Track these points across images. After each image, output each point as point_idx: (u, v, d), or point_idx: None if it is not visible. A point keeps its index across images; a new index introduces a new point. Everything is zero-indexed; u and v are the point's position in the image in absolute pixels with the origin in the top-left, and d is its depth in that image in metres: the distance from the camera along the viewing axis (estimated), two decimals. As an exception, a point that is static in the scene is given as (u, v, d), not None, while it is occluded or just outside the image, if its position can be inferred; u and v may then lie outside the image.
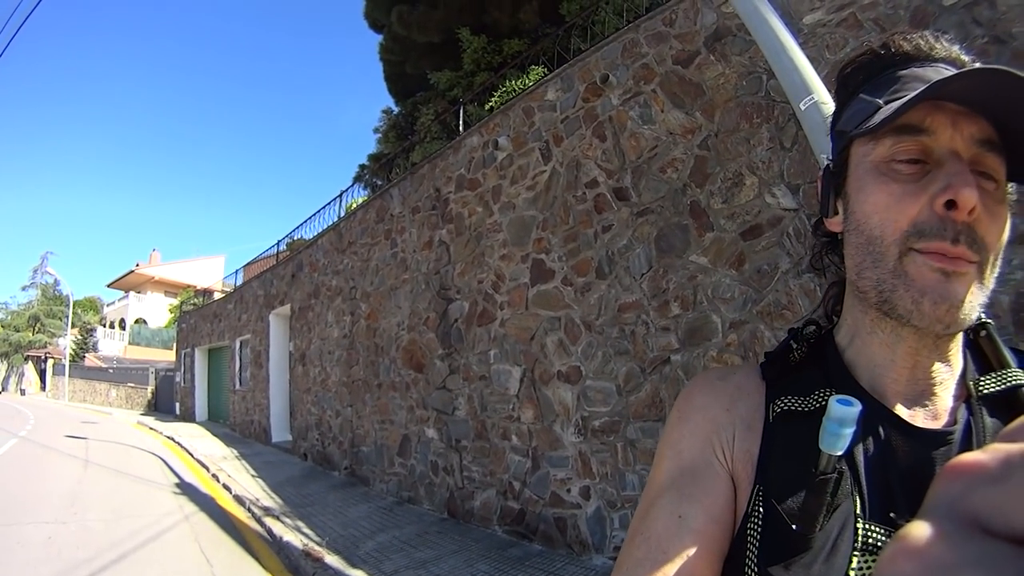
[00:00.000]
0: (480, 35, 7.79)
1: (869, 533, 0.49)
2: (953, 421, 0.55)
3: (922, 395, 0.57)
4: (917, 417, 0.56)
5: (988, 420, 0.55)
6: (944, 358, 0.59)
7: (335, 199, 8.71)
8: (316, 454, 8.33)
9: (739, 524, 0.54)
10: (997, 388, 0.57)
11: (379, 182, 8.35)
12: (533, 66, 5.79)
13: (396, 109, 9.92)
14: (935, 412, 0.57)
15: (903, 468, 0.53)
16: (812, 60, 2.87)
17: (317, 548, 4.38)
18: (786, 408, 0.58)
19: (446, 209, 5.51)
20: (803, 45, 3.00)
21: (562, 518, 4.19)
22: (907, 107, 0.51)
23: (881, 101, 0.55)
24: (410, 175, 6.20)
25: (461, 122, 5.97)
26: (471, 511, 4.99)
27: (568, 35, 5.47)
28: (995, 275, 0.55)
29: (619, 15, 5.29)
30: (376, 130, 9.89)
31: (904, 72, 0.57)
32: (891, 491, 0.52)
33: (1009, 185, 0.58)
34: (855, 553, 0.48)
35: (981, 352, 0.62)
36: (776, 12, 3.09)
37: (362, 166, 10.00)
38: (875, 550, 0.49)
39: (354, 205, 8.20)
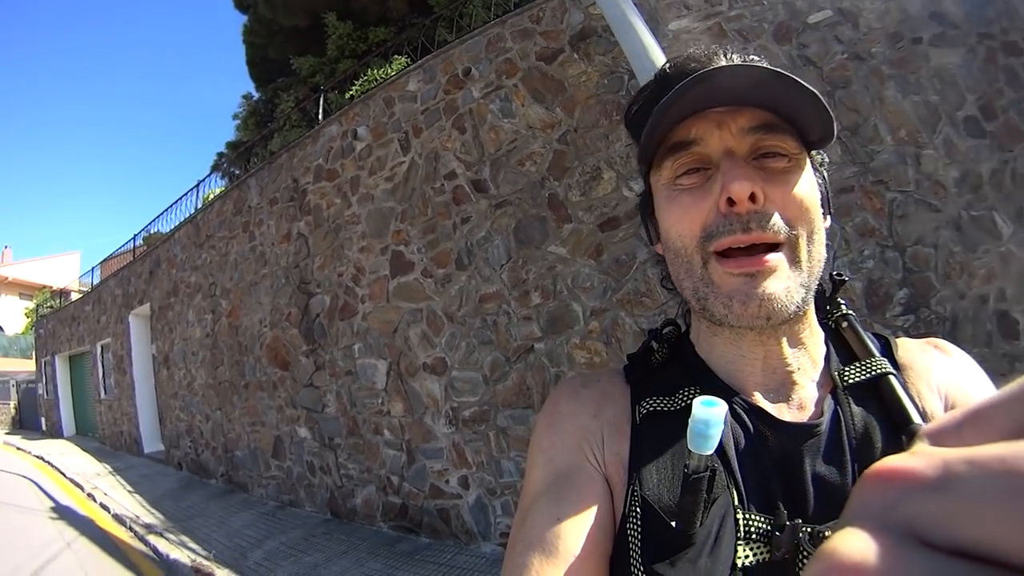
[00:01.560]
0: (347, 21, 7.41)
1: (751, 522, 0.49)
2: (819, 413, 0.56)
3: (783, 387, 0.58)
4: (782, 410, 0.56)
5: (855, 409, 0.55)
6: (796, 346, 0.59)
7: (192, 190, 7.99)
8: (191, 463, 7.75)
9: (619, 526, 0.52)
10: (862, 377, 0.57)
11: (237, 171, 7.72)
12: (397, 56, 5.58)
13: (256, 95, 9.21)
14: (800, 403, 0.57)
15: (775, 459, 0.53)
16: None
17: (206, 563, 4.15)
18: (652, 409, 0.58)
19: (304, 200, 5.22)
20: (666, 50, 3.10)
21: (445, 509, 4.19)
22: (653, 131, 0.54)
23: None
24: (268, 165, 5.79)
25: (321, 110, 5.66)
26: (354, 509, 4.87)
27: (435, 26, 5.31)
28: (817, 249, 0.55)
29: (488, 8, 5.21)
30: (235, 116, 9.14)
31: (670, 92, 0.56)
32: (767, 481, 0.52)
33: (819, 153, 0.61)
34: (739, 543, 0.48)
35: (844, 342, 0.63)
36: (641, 17, 3.19)
37: (220, 154, 9.21)
38: (759, 538, 0.49)
39: (211, 196, 7.55)
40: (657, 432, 0.56)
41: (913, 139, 3.50)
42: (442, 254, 4.15)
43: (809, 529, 0.48)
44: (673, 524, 0.48)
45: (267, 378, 5.74)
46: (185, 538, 4.85)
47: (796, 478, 0.51)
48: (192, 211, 7.72)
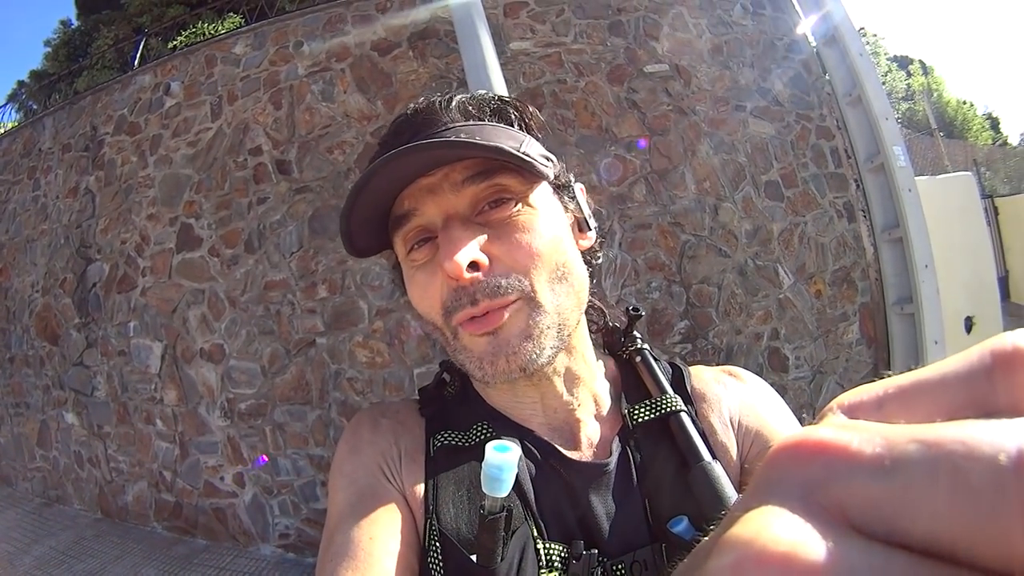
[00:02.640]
0: None
1: (550, 550, 0.50)
2: (607, 452, 0.56)
3: (567, 425, 0.58)
4: (572, 448, 0.57)
5: (643, 446, 0.56)
6: (573, 384, 0.58)
7: (-22, 119, 6.83)
8: (-53, 447, 6.57)
9: (420, 559, 0.50)
10: (650, 416, 0.58)
11: (35, 106, 6.76)
12: (232, 14, 5.16)
13: (75, 23, 8.20)
14: (590, 440, 0.57)
15: (568, 493, 0.53)
16: (507, 82, 2.95)
17: None
18: (445, 443, 0.57)
19: (99, 152, 4.61)
20: (502, 67, 3.07)
21: (220, 508, 3.87)
22: (345, 224, 0.52)
23: None
24: (69, 105, 5.07)
25: (138, 55, 5.06)
26: (125, 507, 4.35)
27: None
28: (566, 284, 0.53)
29: None
30: (47, 43, 8.08)
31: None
32: (563, 513, 0.52)
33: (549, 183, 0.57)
34: (542, 571, 0.49)
35: (638, 377, 0.62)
36: (488, 30, 3.13)
37: (20, 83, 8.11)
38: (561, 564, 0.49)
39: (1, 130, 6.50)
40: (451, 466, 0.55)
41: (715, 191, 3.75)
42: (232, 233, 3.82)
43: (603, 562, 0.50)
44: (474, 559, 0.48)
45: (34, 352, 4.98)
46: (-56, 543, 4.15)
47: (588, 512, 0.53)
48: (-25, 146, 6.56)
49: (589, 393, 0.59)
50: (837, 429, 0.15)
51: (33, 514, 4.76)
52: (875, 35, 24.25)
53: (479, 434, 0.57)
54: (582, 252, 0.61)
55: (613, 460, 0.55)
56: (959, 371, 0.15)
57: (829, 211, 4.06)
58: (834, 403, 0.17)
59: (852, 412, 0.17)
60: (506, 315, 0.51)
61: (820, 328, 3.92)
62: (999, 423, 0.13)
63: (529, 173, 0.53)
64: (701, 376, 0.65)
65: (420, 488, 0.55)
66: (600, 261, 0.66)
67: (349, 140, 3.67)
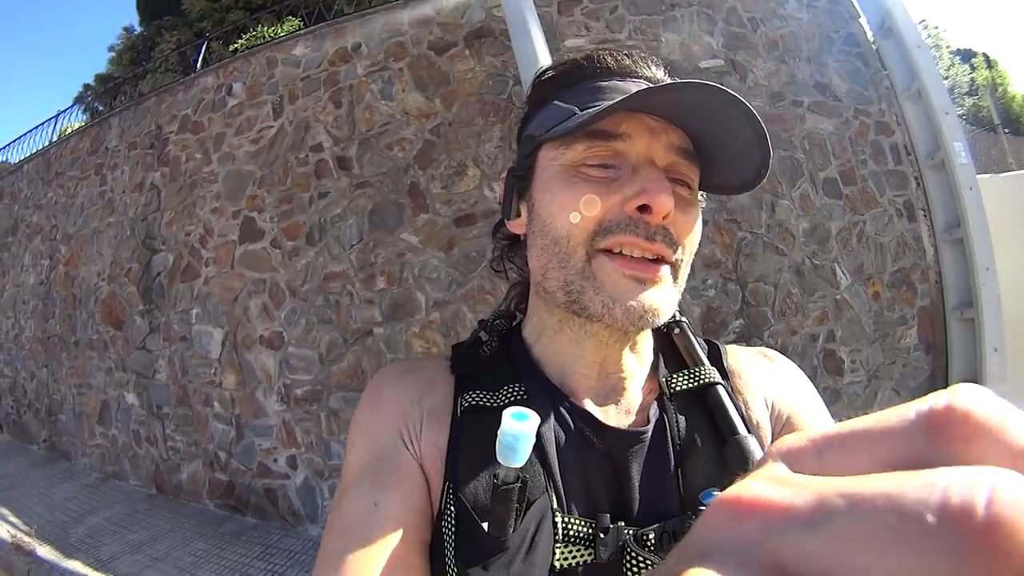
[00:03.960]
0: None
1: (570, 525, 0.48)
2: (645, 419, 0.56)
3: (613, 391, 0.57)
4: (609, 414, 0.56)
5: (680, 417, 0.56)
6: (634, 352, 0.58)
7: (49, 120, 7.21)
8: (12, 425, 6.90)
9: (435, 520, 0.50)
10: (688, 385, 0.58)
11: (100, 108, 7.04)
12: (291, 17, 5.30)
13: (138, 29, 8.52)
14: (628, 408, 0.57)
15: (600, 463, 0.52)
16: None
17: (27, 539, 3.80)
18: (474, 403, 0.55)
19: (164, 150, 4.80)
20: None
21: (272, 489, 3.98)
22: (607, 112, 0.49)
23: (576, 108, 0.53)
24: (135, 106, 5.29)
25: (200, 58, 5.25)
26: (179, 485, 4.51)
27: None
28: (687, 275, 0.56)
29: None
30: (111, 48, 8.39)
31: (604, 84, 0.55)
32: (591, 485, 0.51)
33: (700, 193, 0.58)
34: (557, 545, 0.47)
35: (675, 348, 0.62)
36: (541, 28, 3.17)
37: (87, 86, 8.41)
38: (578, 540, 0.48)
39: (69, 130, 6.81)
40: (477, 427, 0.53)
41: (772, 188, 3.69)
42: (294, 226, 3.94)
43: (632, 532, 0.48)
44: (485, 527, 0.47)
45: (99, 336, 5.21)
46: (5, 510, 4.42)
47: (621, 482, 0.52)
48: (46, 143, 6.90)
49: (639, 362, 0.59)
50: (770, 484, 0.16)
51: (90, 488, 4.97)
52: (936, 27, 23.09)
53: (510, 395, 0.55)
54: None
55: (650, 428, 0.55)
56: (896, 425, 0.16)
57: (889, 210, 3.95)
58: (773, 449, 0.18)
59: (791, 460, 0.17)
60: (660, 272, 0.51)
61: (877, 331, 3.81)
62: (925, 475, 0.13)
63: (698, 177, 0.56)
64: (737, 354, 0.66)
65: (441, 447, 0.53)
66: None
67: (408, 137, 3.73)
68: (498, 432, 0.44)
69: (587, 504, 0.51)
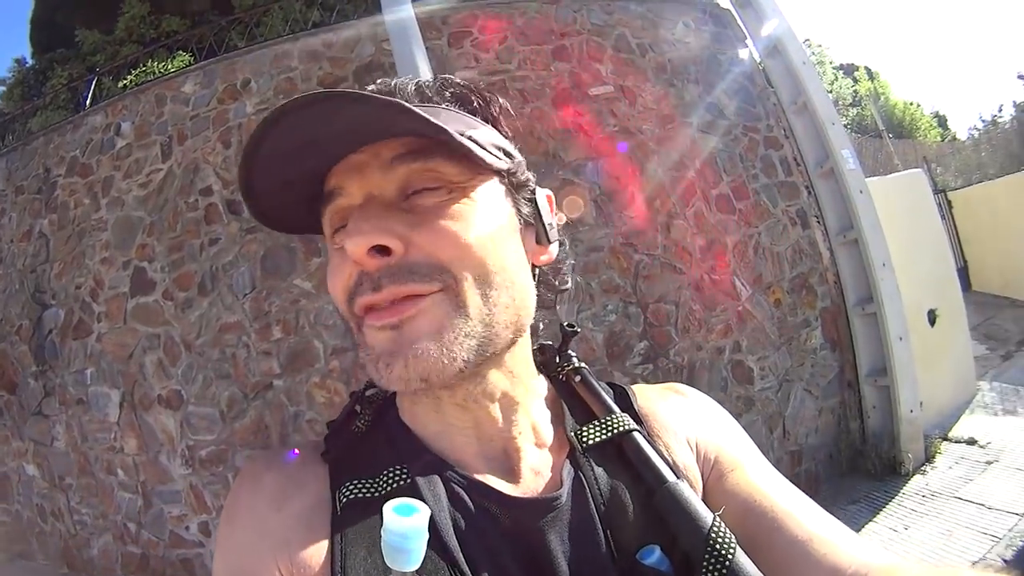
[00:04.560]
0: (146, 1, 6.82)
1: None
2: (558, 482, 0.49)
3: (507, 456, 0.51)
4: (514, 483, 0.49)
5: (599, 472, 0.50)
6: (511, 409, 0.52)
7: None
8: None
9: None
10: (602, 437, 0.52)
11: None
12: (182, 52, 5.17)
13: (30, 62, 8.18)
14: (535, 471, 0.51)
15: (511, 541, 0.45)
16: None
17: None
18: (352, 497, 0.46)
19: (52, 195, 4.56)
20: None
21: (187, 559, 3.78)
22: (246, 192, 0.46)
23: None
24: (22, 146, 5.02)
25: (90, 95, 5.03)
26: (91, 561, 4.23)
27: (230, 29, 5.02)
28: (502, 291, 0.46)
29: (286, 22, 5.04)
30: (2, 82, 8.03)
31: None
32: (505, 568, 0.44)
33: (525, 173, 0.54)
34: None
35: (580, 398, 0.57)
36: (429, 62, 3.16)
37: None
38: None
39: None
40: (362, 523, 0.45)
41: (666, 209, 3.78)
42: (186, 276, 3.80)
43: None
44: None
45: (-8, 403, 4.87)
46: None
47: (541, 556, 0.45)
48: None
49: (529, 420, 0.53)
50: None
51: None
52: (820, 45, 25.07)
53: (391, 481, 0.48)
54: (537, 267, 0.56)
55: (565, 490, 0.49)
56: None
57: (782, 219, 4.12)
58: None
59: None
60: (407, 309, 0.44)
61: (782, 337, 3.95)
62: None
63: (471, 162, 0.47)
64: (647, 394, 0.61)
65: (321, 557, 0.45)
66: (568, 287, 0.60)
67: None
68: (382, 532, 0.38)
69: None
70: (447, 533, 0.45)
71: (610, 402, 0.55)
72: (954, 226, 8.17)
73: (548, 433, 0.54)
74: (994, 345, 6.10)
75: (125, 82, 5.03)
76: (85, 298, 4.19)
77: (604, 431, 0.53)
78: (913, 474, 3.61)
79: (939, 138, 22.08)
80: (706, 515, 0.46)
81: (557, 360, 0.62)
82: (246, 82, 3.98)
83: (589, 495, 0.49)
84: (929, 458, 3.75)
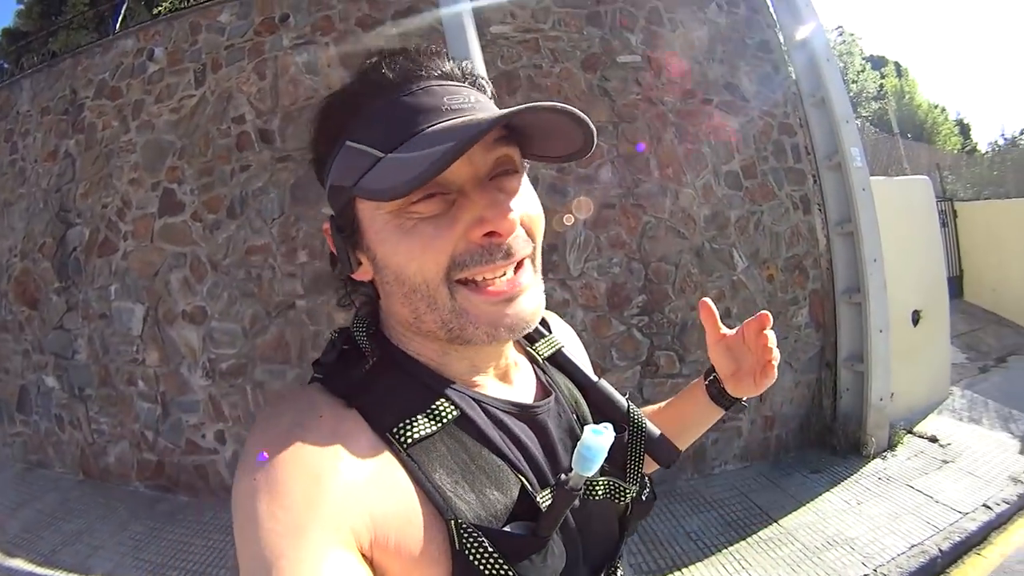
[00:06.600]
0: None
1: (544, 500, 0.52)
2: (543, 388, 0.65)
3: (506, 375, 0.62)
4: (521, 394, 0.62)
5: (556, 378, 0.67)
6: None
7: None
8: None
9: (460, 567, 0.46)
10: (548, 352, 0.70)
11: (6, 65, 6.58)
12: None
13: None
14: (525, 382, 0.64)
15: (535, 438, 0.58)
16: (485, 64, 3.14)
17: None
18: (418, 434, 0.49)
19: (79, 116, 4.61)
20: (483, 49, 3.18)
21: (201, 465, 4.01)
22: (430, 175, 0.44)
23: (373, 150, 0.49)
24: (48, 67, 5.04)
25: (119, 19, 5.04)
26: (107, 468, 4.44)
27: None
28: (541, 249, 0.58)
29: None
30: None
31: (393, 105, 0.50)
32: (535, 460, 0.56)
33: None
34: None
35: None
36: (471, 12, 3.22)
37: None
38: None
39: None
40: (432, 459, 0.49)
41: (677, 178, 3.94)
42: (215, 199, 3.94)
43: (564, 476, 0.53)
44: (526, 534, 0.49)
45: (13, 317, 4.99)
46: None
47: (550, 444, 0.59)
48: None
49: (510, 346, 0.64)
50: None
51: (16, 479, 4.79)
52: (852, 34, 24.33)
53: (444, 413, 0.52)
54: None
55: (554, 395, 0.64)
56: None
57: (786, 202, 4.29)
58: None
59: None
60: (522, 282, 0.53)
61: (771, 310, 4.11)
62: None
63: (520, 151, 0.55)
64: (553, 319, 0.79)
65: (413, 502, 0.47)
66: None
67: (331, 112, 3.77)
68: (579, 444, 0.51)
69: (540, 476, 0.55)
70: (499, 441, 0.54)
71: (541, 328, 0.73)
72: (956, 235, 8.26)
73: (517, 353, 0.67)
74: (974, 356, 6.25)
75: (159, 8, 5.00)
76: (111, 217, 4.31)
77: (549, 347, 0.71)
78: (874, 457, 3.84)
79: (959, 146, 21.67)
80: (622, 400, 0.70)
81: None
82: (284, 16, 4.03)
83: (559, 394, 0.65)
84: (891, 446, 3.99)
